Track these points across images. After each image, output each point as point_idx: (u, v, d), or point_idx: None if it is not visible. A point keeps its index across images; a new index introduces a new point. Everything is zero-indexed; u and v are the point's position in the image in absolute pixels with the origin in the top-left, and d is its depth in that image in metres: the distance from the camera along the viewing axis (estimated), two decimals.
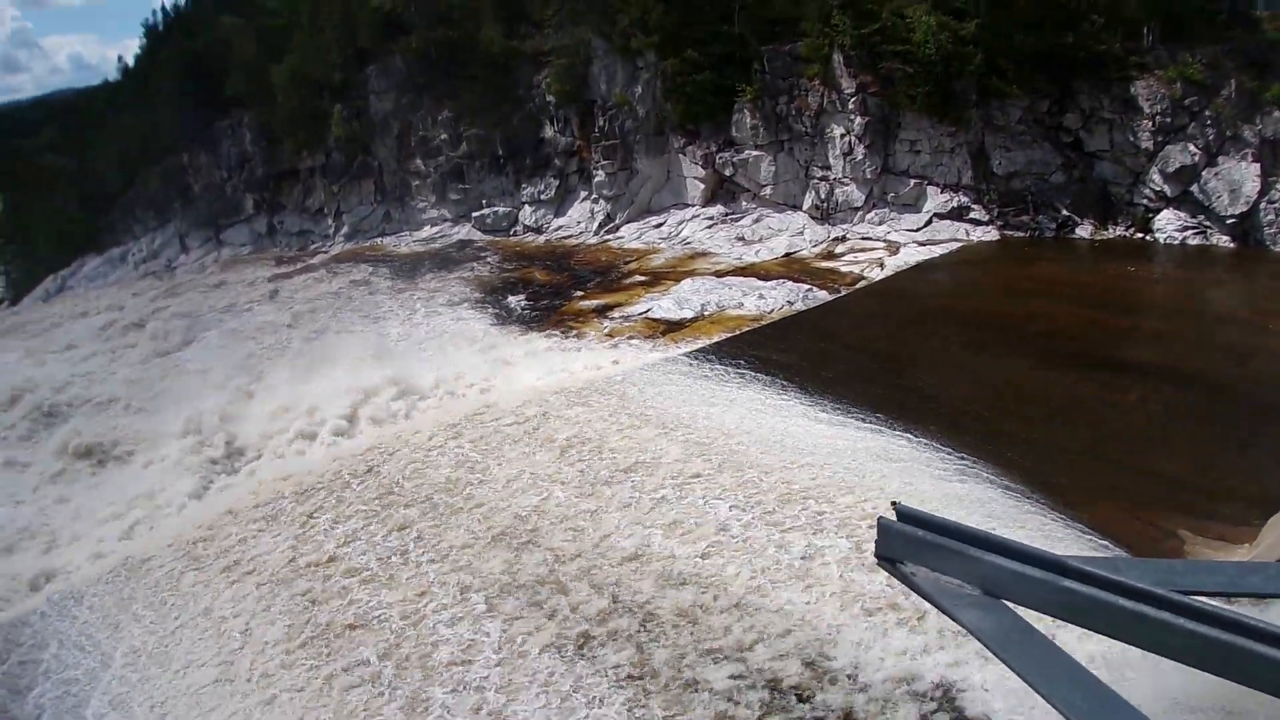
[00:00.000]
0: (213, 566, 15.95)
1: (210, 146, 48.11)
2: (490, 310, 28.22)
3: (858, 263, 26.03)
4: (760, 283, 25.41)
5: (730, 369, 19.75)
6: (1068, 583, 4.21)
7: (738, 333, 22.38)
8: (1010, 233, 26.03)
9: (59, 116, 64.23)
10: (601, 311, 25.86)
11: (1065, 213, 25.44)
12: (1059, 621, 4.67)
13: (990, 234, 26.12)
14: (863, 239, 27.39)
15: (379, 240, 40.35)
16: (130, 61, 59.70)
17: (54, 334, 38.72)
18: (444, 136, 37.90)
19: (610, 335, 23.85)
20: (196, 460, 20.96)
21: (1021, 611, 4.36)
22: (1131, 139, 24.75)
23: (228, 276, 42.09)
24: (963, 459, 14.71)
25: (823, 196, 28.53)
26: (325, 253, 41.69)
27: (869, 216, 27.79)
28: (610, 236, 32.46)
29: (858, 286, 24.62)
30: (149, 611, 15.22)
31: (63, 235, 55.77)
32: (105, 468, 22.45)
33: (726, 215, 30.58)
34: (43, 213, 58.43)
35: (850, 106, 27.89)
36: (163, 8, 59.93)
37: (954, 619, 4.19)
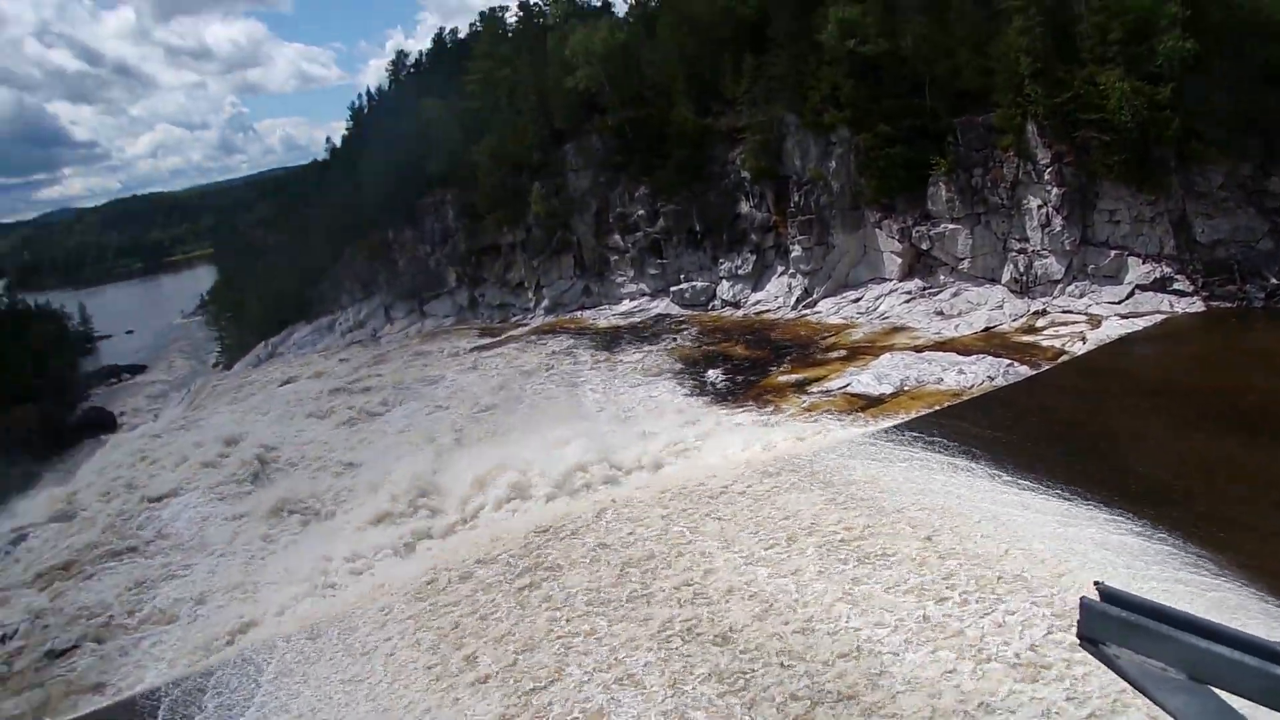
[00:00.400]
0: (406, 625, 19.49)
1: (414, 222, 56.64)
2: (689, 383, 33.03)
3: (1059, 337, 29.31)
4: (959, 357, 28.90)
5: (931, 446, 22.71)
6: None
7: (937, 408, 25.65)
8: (1216, 303, 28.48)
9: (271, 194, 76.43)
10: (800, 386, 30.15)
11: (1275, 281, 27.80)
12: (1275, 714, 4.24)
13: (1195, 305, 28.77)
14: (1063, 312, 30.74)
15: (578, 314, 46.73)
16: (338, 142, 70.41)
17: (264, 397, 46.70)
18: (641, 212, 44.01)
19: (809, 410, 27.83)
20: (397, 521, 25.28)
21: (1232, 700, 3.88)
22: None
23: (430, 346, 49.49)
24: (1174, 541, 16.60)
25: (1021, 269, 32.14)
26: (525, 325, 48.48)
27: (1069, 289, 31.13)
28: (808, 311, 37.19)
29: (1060, 361, 27.69)
30: (331, 671, 18.48)
31: (274, 304, 66.10)
32: (309, 525, 27.21)
33: (924, 289, 34.66)
34: (256, 283, 69.46)
35: (1046, 177, 31.52)
36: (368, 92, 70.45)
37: (1159, 705, 4.14)
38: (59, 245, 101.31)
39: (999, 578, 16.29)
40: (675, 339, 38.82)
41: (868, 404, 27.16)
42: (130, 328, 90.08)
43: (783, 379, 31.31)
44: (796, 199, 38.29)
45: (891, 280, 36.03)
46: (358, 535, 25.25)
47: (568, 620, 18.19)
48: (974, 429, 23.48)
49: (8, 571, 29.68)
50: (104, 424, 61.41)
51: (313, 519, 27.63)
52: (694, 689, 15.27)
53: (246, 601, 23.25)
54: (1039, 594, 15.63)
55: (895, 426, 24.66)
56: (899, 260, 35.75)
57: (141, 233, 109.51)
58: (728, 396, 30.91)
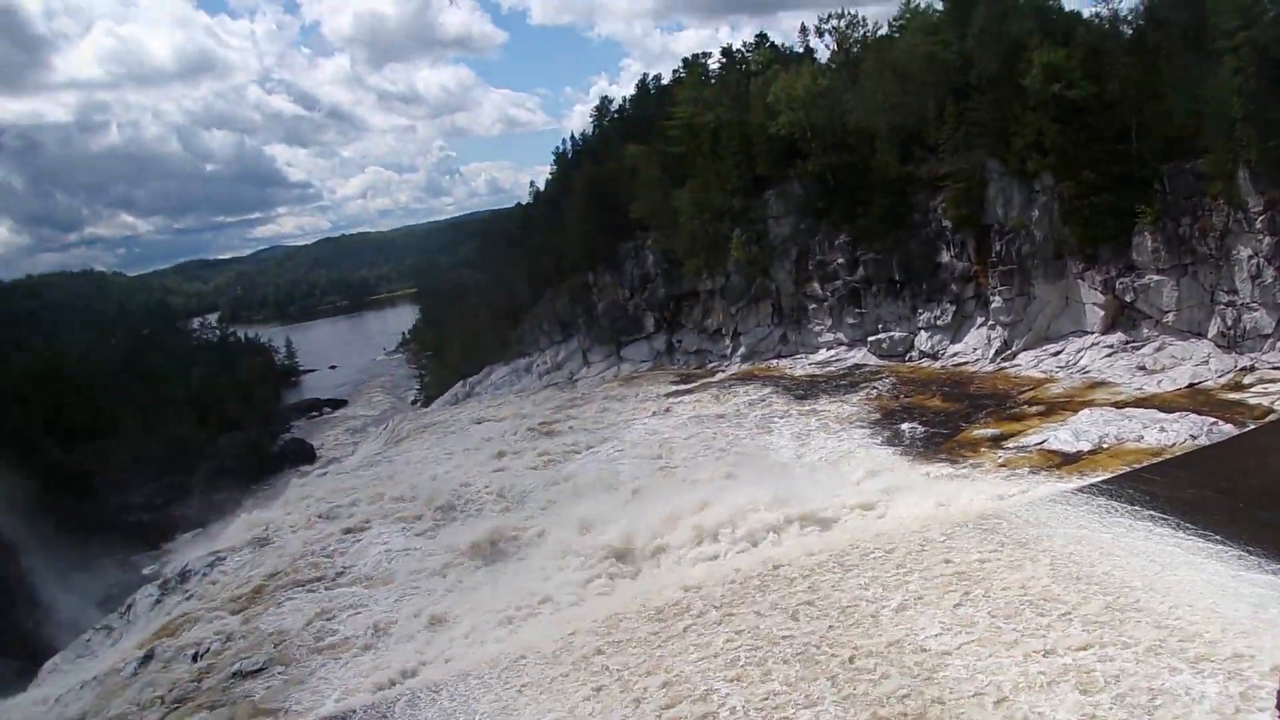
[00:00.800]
0: (579, 669, 21.92)
1: (614, 267, 62.60)
2: (883, 435, 36.24)
3: (1268, 394, 31.04)
4: (1161, 414, 30.87)
5: (1130, 506, 24.48)
6: None
7: (1137, 467, 27.55)
8: None
9: (475, 236, 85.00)
10: (996, 441, 32.87)
11: None
12: None
13: None
14: (1272, 369, 32.53)
15: (774, 361, 51.10)
16: (541, 186, 78.12)
17: (459, 435, 51.89)
18: (841, 260, 48.29)
19: (1004, 465, 30.42)
20: (587, 562, 28.16)
21: None
22: None
23: (626, 391, 54.55)
24: None
25: (1229, 323, 34.24)
26: (722, 371, 53.12)
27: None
28: (1006, 364, 40.28)
29: (1268, 420, 29.33)
30: (497, 709, 20.98)
31: (473, 345, 73.42)
32: (495, 564, 30.47)
33: (1126, 343, 37.16)
34: (457, 323, 77.36)
35: (1258, 225, 33.56)
36: (572, 137, 77.98)
37: None
38: (270, 281, 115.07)
39: (1203, 656, 17.39)
40: (871, 389, 42.16)
41: (1064, 461, 29.36)
42: (334, 363, 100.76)
43: (978, 433, 33.96)
44: (998, 248, 41.57)
45: (1093, 333, 38.61)
46: (543, 575, 28.28)
47: (749, 673, 20.15)
48: (1175, 490, 25.00)
49: (203, 592, 34.32)
50: (304, 455, 69.95)
51: (500, 558, 30.97)
52: None
53: (429, 636, 26.19)
54: (1234, 668, 16.78)
55: (1093, 485, 26.56)
56: (1101, 312, 38.35)
57: (348, 271, 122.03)
58: (922, 449, 33.72)
